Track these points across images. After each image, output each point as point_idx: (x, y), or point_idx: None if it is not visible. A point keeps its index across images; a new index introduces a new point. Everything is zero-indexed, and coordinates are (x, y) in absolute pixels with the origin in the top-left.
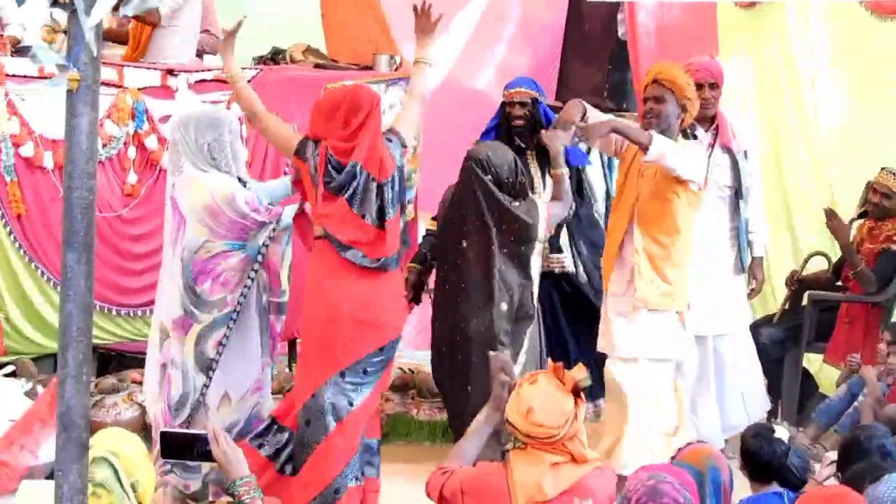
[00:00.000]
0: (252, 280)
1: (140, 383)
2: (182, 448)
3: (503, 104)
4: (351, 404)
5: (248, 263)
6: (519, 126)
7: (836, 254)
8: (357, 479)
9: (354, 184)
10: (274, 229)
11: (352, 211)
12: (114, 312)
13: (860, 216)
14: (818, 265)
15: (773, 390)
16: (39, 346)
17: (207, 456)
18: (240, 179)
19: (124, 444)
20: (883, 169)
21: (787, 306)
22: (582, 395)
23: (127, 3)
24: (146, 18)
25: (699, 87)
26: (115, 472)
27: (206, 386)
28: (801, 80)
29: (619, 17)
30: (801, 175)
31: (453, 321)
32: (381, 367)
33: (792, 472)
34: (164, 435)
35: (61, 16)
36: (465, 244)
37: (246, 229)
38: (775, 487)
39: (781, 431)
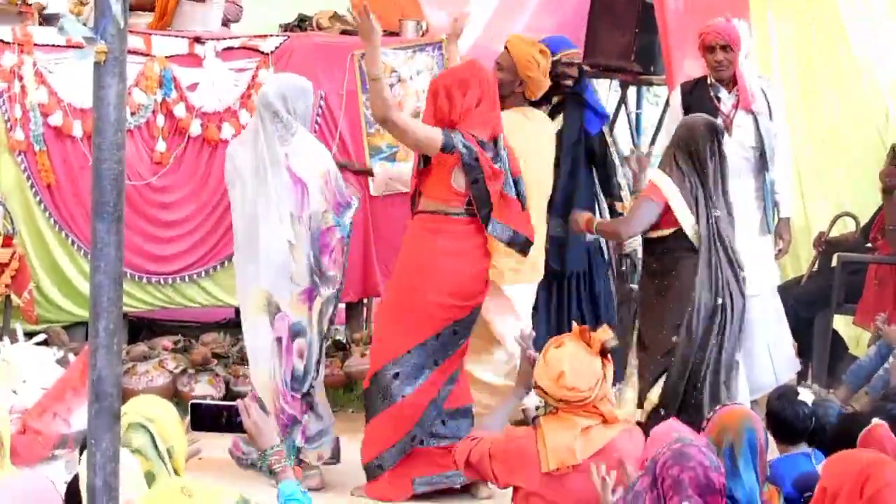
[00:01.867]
0: (345, 259)
1: (169, 350)
2: (213, 420)
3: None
4: None
5: (343, 242)
6: (569, 86)
7: (863, 214)
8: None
9: (505, 156)
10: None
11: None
12: (144, 280)
13: (889, 189)
14: (846, 226)
15: (804, 352)
16: (70, 314)
17: (238, 427)
18: None
19: (159, 410)
20: None
21: (815, 268)
22: (609, 355)
23: None
24: None
25: (711, 49)
26: (152, 438)
27: (319, 360)
28: (847, 36)
29: None
30: (839, 134)
31: None
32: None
33: (820, 432)
34: (194, 407)
35: None
36: None
37: (339, 207)
38: (803, 448)
39: (806, 394)
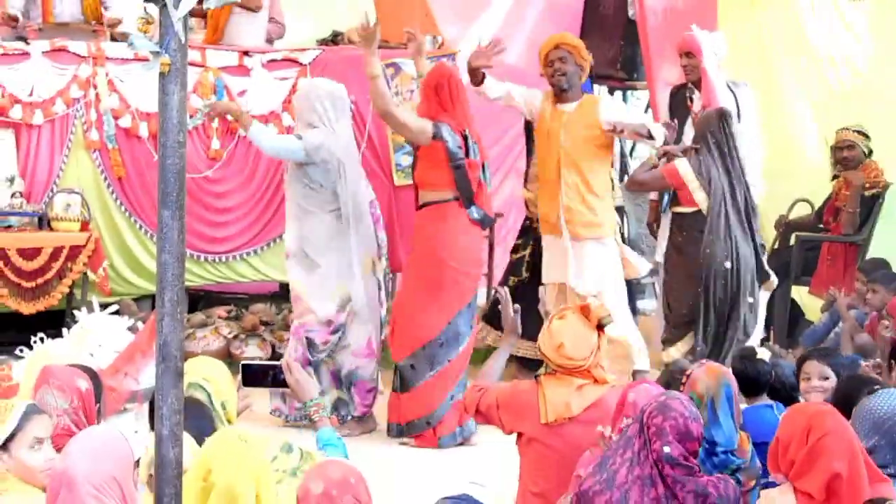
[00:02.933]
0: None
1: (224, 318)
2: (261, 377)
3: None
4: None
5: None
6: None
7: (817, 200)
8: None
9: (475, 149)
10: None
11: (478, 175)
12: (202, 259)
13: (835, 177)
14: (802, 210)
15: (766, 319)
16: (139, 288)
17: (283, 383)
18: None
19: (214, 371)
20: (838, 130)
21: (776, 246)
22: (604, 329)
23: None
24: (249, 4)
25: (680, 56)
26: (209, 394)
27: None
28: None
29: None
30: (793, 131)
31: None
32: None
33: (780, 387)
34: (244, 367)
35: (154, 10)
36: None
37: None
38: (765, 400)
39: (763, 352)
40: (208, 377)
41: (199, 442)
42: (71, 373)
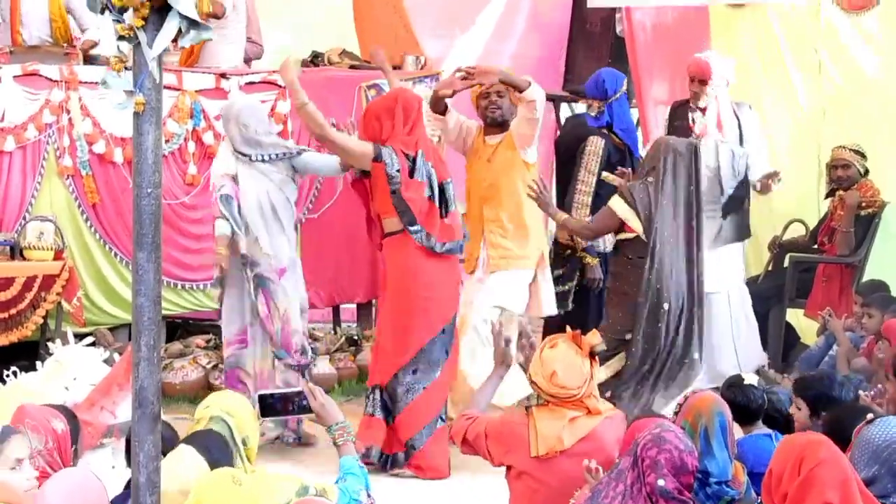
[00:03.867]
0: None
1: (202, 347)
2: (280, 406)
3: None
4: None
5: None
6: None
7: (811, 220)
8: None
9: (424, 170)
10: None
11: (424, 196)
12: (178, 286)
13: (829, 194)
14: (796, 230)
15: (761, 341)
16: (114, 317)
17: (306, 409)
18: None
19: (237, 405)
20: (834, 148)
21: (770, 268)
22: (596, 357)
23: (184, 37)
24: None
25: (691, 80)
26: (230, 429)
27: None
28: (786, 65)
29: (617, 16)
30: (786, 151)
31: None
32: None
33: (776, 415)
34: (261, 398)
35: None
36: None
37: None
38: (762, 428)
39: (751, 378)
40: (231, 411)
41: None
42: (47, 413)
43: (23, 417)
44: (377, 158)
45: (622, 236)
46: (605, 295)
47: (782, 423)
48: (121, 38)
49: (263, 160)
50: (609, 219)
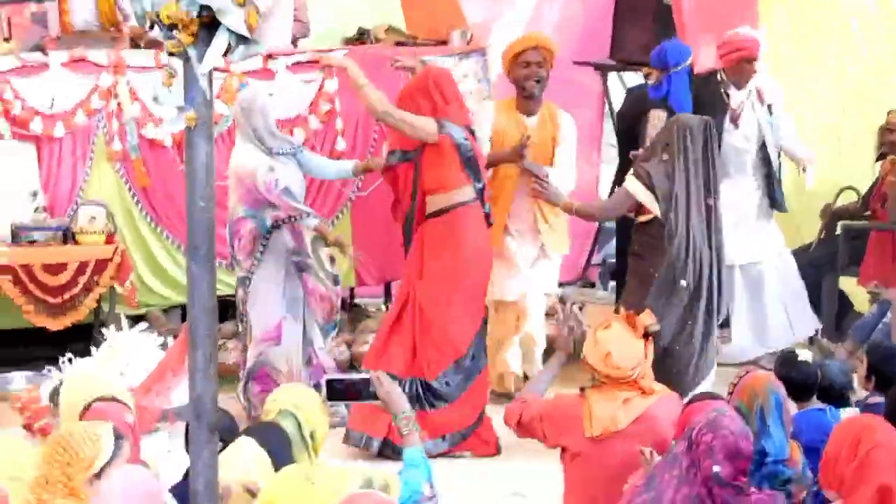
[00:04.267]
0: (262, 252)
1: None
2: (347, 391)
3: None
4: None
5: (255, 233)
6: None
7: (863, 186)
8: None
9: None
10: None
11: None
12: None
13: (879, 158)
14: (849, 197)
15: (815, 311)
16: (166, 298)
17: (372, 396)
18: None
19: (305, 398)
20: (890, 111)
21: (822, 236)
22: (650, 337)
23: (234, 51)
24: None
25: (750, 60)
26: (298, 423)
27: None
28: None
29: None
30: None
31: None
32: None
33: (829, 388)
34: (329, 382)
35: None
36: None
37: (256, 202)
38: (817, 404)
39: (805, 354)
40: (299, 404)
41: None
42: (118, 409)
43: (103, 416)
44: (442, 129)
45: (641, 218)
46: (627, 275)
47: (836, 397)
48: (170, 54)
49: (281, 153)
50: (626, 200)
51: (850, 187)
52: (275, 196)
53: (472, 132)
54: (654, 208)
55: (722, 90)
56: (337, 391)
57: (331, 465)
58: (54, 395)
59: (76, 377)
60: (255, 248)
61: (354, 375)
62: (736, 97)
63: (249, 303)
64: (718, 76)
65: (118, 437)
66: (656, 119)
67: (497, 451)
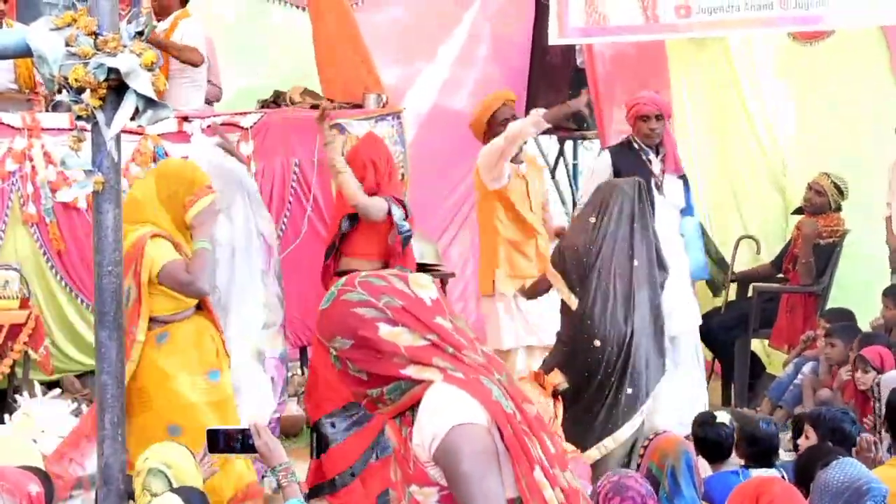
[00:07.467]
0: None
1: None
2: (228, 443)
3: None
4: None
5: None
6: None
7: (765, 240)
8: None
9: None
10: None
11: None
12: None
13: (796, 211)
14: (749, 245)
15: (726, 372)
16: (81, 364)
17: (251, 448)
18: None
19: (176, 455)
20: (821, 172)
21: (733, 298)
22: (559, 396)
23: (142, 115)
24: (192, 59)
25: (646, 118)
26: (169, 482)
27: None
28: (747, 97)
29: (577, 47)
30: (753, 180)
31: None
32: None
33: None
34: (210, 433)
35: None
36: None
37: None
38: (731, 465)
39: (722, 415)
40: (169, 463)
41: None
42: (22, 476)
43: (4, 482)
44: (389, 212)
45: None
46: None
47: (763, 455)
48: (78, 117)
49: None
50: (544, 284)
51: (748, 236)
52: None
53: (401, 203)
54: (564, 295)
55: (643, 157)
56: (216, 443)
57: None
58: None
59: None
60: None
61: (235, 427)
62: (656, 164)
63: None
64: (633, 144)
65: None
66: None
67: None
